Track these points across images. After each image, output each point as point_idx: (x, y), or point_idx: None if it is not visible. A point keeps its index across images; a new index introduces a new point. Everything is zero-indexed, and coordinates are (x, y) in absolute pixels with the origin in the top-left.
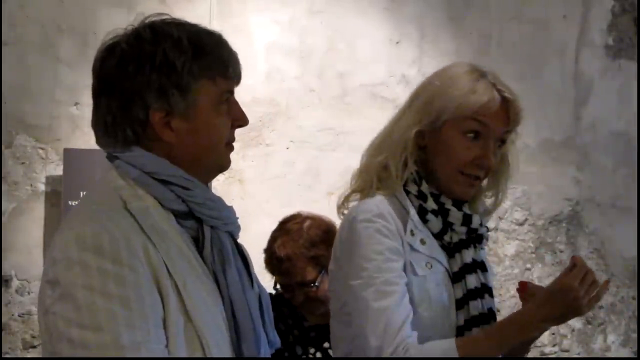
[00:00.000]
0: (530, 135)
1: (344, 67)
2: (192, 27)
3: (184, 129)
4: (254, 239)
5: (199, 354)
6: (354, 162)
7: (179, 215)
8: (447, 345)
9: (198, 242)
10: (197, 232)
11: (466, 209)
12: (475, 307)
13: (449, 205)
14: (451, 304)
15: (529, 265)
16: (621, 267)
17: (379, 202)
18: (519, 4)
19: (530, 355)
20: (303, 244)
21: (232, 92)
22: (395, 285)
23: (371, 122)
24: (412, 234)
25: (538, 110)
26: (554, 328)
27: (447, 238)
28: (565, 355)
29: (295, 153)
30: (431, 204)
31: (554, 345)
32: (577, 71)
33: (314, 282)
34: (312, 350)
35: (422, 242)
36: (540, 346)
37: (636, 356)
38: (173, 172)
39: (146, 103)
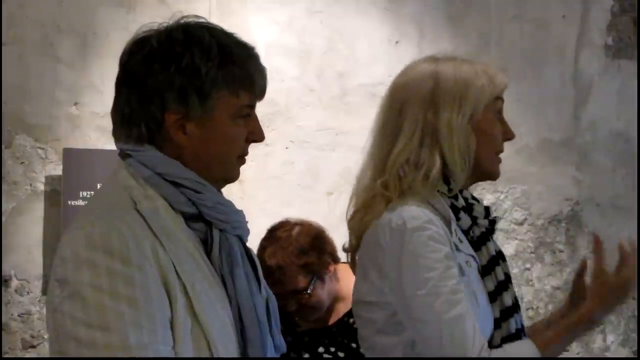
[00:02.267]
0: (530, 135)
1: (343, 67)
2: (225, 36)
3: (197, 134)
4: (254, 239)
5: (205, 356)
6: (354, 162)
7: (188, 217)
8: (527, 347)
9: (206, 245)
10: (205, 234)
11: (481, 201)
12: (507, 297)
13: (471, 199)
14: (487, 298)
15: (528, 265)
16: None
17: (421, 209)
18: (518, 4)
19: None
20: (293, 251)
21: (253, 107)
22: (460, 293)
23: (371, 122)
24: (455, 233)
25: (537, 110)
26: None
27: (471, 233)
28: (565, 354)
29: (295, 153)
30: (461, 201)
31: None
32: (577, 71)
33: (306, 290)
34: (306, 355)
35: (460, 240)
36: None
37: (636, 356)
38: (185, 175)
39: (164, 103)
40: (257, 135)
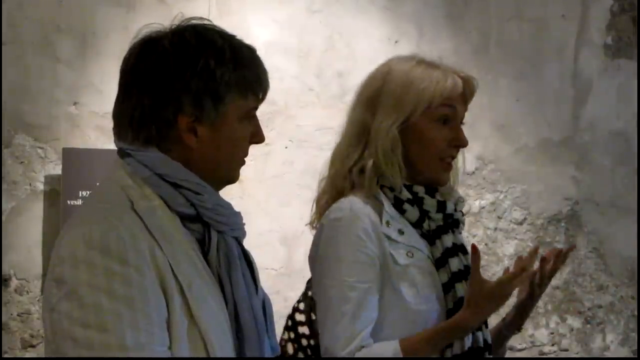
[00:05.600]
0: (529, 134)
1: (342, 66)
2: (232, 39)
3: (208, 137)
4: (253, 238)
5: (202, 356)
6: None
7: (184, 218)
8: (391, 347)
9: (203, 245)
10: (202, 235)
11: (439, 196)
12: (461, 289)
13: (422, 193)
14: (438, 290)
15: None
16: (620, 267)
17: (352, 201)
18: (518, 3)
19: (529, 354)
20: None
21: (256, 109)
22: (357, 292)
23: None
24: (388, 225)
25: (537, 109)
26: (553, 327)
27: (425, 226)
28: (564, 354)
29: (294, 152)
30: (405, 194)
31: (552, 345)
32: (576, 70)
33: None
34: None
35: (400, 232)
36: (539, 345)
37: (635, 356)
38: (185, 176)
39: (179, 106)
40: (258, 137)
